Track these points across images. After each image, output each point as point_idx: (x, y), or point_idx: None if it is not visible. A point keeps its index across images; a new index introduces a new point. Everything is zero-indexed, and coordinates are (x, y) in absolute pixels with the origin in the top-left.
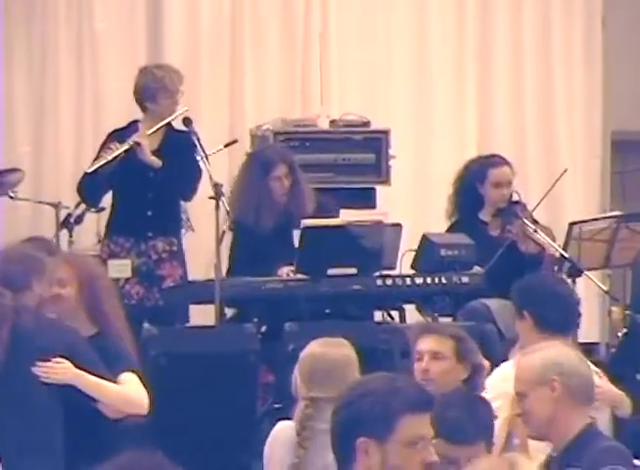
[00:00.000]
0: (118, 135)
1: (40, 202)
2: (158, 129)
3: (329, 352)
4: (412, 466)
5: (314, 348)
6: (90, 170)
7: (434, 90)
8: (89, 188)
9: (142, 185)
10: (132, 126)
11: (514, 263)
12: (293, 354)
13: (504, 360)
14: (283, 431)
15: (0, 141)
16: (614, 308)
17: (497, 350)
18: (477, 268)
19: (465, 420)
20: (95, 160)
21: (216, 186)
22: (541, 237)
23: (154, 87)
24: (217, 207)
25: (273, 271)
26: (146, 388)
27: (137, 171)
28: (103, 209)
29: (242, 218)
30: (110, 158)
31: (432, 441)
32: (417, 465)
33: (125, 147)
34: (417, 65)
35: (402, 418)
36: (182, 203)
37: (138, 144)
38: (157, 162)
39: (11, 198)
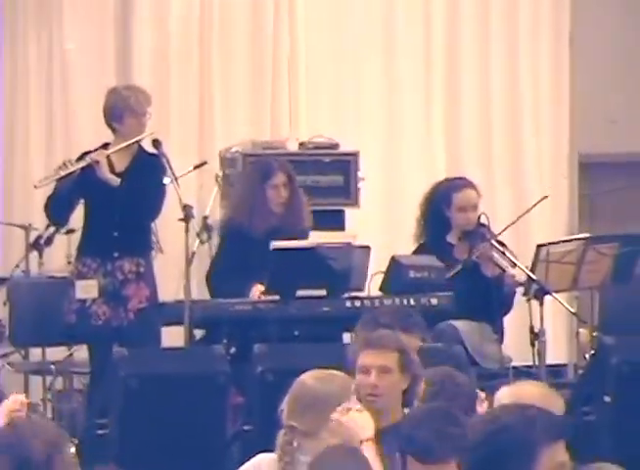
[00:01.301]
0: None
1: (10, 224)
2: (120, 149)
3: (317, 385)
4: None
5: (306, 377)
6: (38, 185)
7: (402, 113)
8: (53, 207)
9: (107, 206)
10: (102, 148)
11: (479, 286)
12: (262, 376)
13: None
14: (265, 461)
15: None
16: (581, 330)
17: (466, 371)
18: (445, 289)
19: (434, 437)
20: (46, 178)
21: (186, 208)
22: (508, 259)
23: (120, 107)
24: (187, 229)
25: (255, 278)
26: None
27: (100, 191)
28: (73, 230)
29: (235, 220)
30: (62, 174)
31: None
32: None
33: (82, 164)
34: (386, 87)
35: (543, 450)
36: (152, 225)
37: (97, 162)
38: (115, 180)
39: None
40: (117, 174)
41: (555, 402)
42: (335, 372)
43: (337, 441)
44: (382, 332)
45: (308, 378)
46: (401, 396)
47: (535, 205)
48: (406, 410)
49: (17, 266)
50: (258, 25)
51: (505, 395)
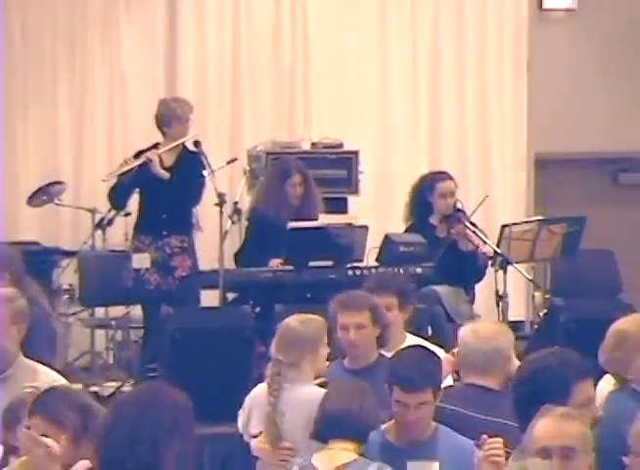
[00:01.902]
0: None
1: (79, 207)
2: (169, 149)
3: (298, 327)
4: (587, 422)
5: (290, 320)
6: (105, 179)
7: (394, 120)
8: (115, 195)
9: (158, 194)
10: (153, 147)
11: (456, 258)
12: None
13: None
14: (258, 389)
15: (47, 159)
16: (536, 293)
17: (445, 327)
18: (428, 261)
19: (415, 370)
20: (111, 173)
21: (220, 195)
22: (479, 237)
23: (169, 115)
24: (221, 212)
25: (274, 256)
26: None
27: (153, 182)
28: (129, 213)
29: (260, 210)
30: (124, 169)
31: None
32: (590, 420)
33: (139, 162)
34: (380, 100)
35: (576, 386)
36: (193, 209)
37: (150, 160)
38: (165, 175)
39: (56, 205)
40: (166, 168)
41: (504, 334)
42: (313, 317)
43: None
44: (354, 294)
45: (292, 321)
46: (375, 341)
47: (479, 204)
48: (380, 351)
49: (85, 242)
50: (278, 50)
51: (466, 331)
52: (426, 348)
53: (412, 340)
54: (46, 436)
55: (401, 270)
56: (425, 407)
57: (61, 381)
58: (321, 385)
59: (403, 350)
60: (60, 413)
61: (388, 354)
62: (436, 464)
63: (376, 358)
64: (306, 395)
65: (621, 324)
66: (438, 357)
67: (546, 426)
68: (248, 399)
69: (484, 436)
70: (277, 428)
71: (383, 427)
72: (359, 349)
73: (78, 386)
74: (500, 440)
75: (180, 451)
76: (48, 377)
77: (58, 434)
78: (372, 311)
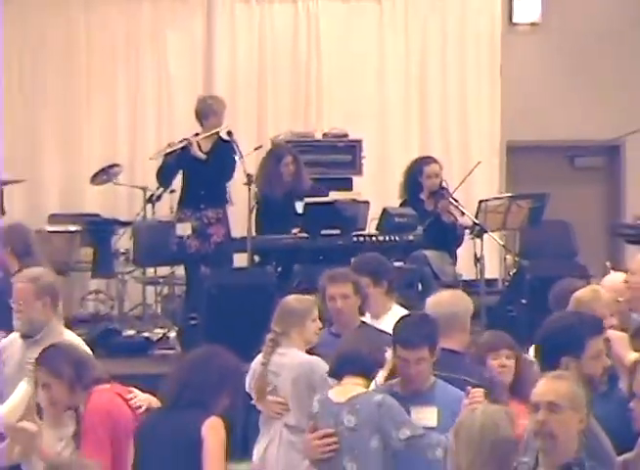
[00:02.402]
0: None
1: (133, 186)
2: (206, 137)
3: (291, 303)
4: (597, 371)
5: (288, 298)
6: (151, 157)
7: (390, 114)
8: (162, 175)
9: (197, 174)
10: (194, 136)
11: (440, 228)
12: (298, 286)
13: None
14: (257, 358)
15: (107, 145)
16: (507, 256)
17: (432, 284)
18: (418, 229)
19: (413, 330)
20: (158, 152)
21: (248, 176)
22: (459, 210)
23: (206, 110)
24: (249, 189)
25: (283, 226)
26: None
27: (192, 163)
28: (173, 190)
29: (262, 191)
30: (168, 150)
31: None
32: (600, 369)
33: (181, 145)
34: (379, 97)
35: (589, 341)
36: (227, 186)
37: (190, 143)
38: (202, 155)
39: (114, 183)
40: (204, 153)
41: (460, 300)
42: (307, 296)
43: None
44: (339, 270)
45: (289, 298)
46: (357, 310)
47: (472, 170)
48: (361, 317)
49: (137, 214)
50: (295, 57)
51: (430, 300)
52: (425, 314)
53: (397, 309)
54: (48, 384)
55: (397, 237)
56: (423, 362)
57: (77, 341)
58: (309, 352)
59: (405, 315)
60: (58, 366)
61: (372, 322)
62: (435, 409)
63: (358, 325)
64: (293, 359)
65: (580, 293)
66: (434, 320)
67: (540, 385)
68: (253, 363)
69: (469, 387)
70: (264, 384)
71: (391, 382)
72: (344, 315)
73: (132, 331)
74: (481, 390)
75: (228, 404)
76: (69, 338)
77: (56, 382)
78: (354, 284)
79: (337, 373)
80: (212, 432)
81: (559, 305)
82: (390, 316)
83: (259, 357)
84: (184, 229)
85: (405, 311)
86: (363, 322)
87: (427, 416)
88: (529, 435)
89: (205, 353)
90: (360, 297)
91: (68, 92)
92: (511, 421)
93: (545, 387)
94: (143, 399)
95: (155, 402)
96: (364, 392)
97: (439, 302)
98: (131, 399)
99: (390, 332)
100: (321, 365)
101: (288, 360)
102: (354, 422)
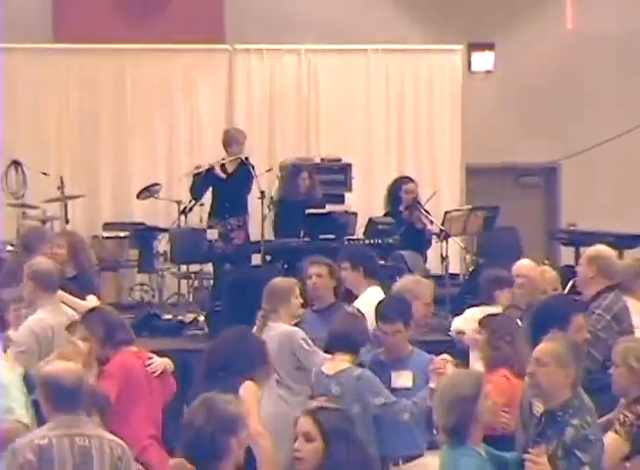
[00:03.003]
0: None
1: (170, 200)
2: (230, 161)
3: (278, 283)
4: (581, 341)
5: (274, 279)
6: (181, 178)
7: (375, 144)
8: (194, 192)
9: (222, 190)
10: (221, 160)
11: (413, 233)
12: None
13: None
14: None
15: (149, 168)
16: (467, 256)
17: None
18: (397, 235)
19: (389, 309)
20: (187, 173)
21: (262, 192)
22: (429, 219)
23: (230, 140)
24: (262, 202)
25: (295, 228)
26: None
27: (218, 182)
28: (202, 204)
29: (282, 198)
30: (195, 172)
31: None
32: (584, 342)
33: (206, 168)
34: (366, 130)
35: (574, 317)
36: (246, 200)
37: (213, 167)
38: (222, 175)
39: (154, 198)
40: (228, 174)
41: (423, 286)
42: (289, 278)
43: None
44: (318, 257)
45: (275, 280)
46: (332, 290)
47: (431, 196)
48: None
49: (174, 223)
50: (299, 97)
51: (397, 284)
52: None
53: (373, 291)
54: (85, 338)
55: (380, 241)
56: (399, 334)
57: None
58: (296, 325)
59: (384, 298)
60: (92, 325)
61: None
62: (410, 373)
63: (332, 302)
64: (277, 330)
65: (532, 272)
66: (407, 301)
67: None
68: None
69: (433, 356)
70: None
71: (377, 350)
72: (318, 291)
73: (169, 316)
74: (444, 356)
75: (259, 369)
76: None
77: (90, 338)
78: (329, 267)
79: (329, 349)
80: (249, 393)
81: (485, 289)
82: (365, 296)
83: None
84: (212, 234)
85: (380, 292)
86: (337, 301)
87: (404, 379)
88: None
89: (239, 332)
90: (335, 279)
91: (119, 125)
92: (474, 381)
93: (538, 347)
94: (159, 364)
95: (169, 365)
96: (348, 367)
97: (400, 286)
98: (150, 364)
99: (362, 309)
100: (299, 334)
101: (273, 332)
102: (340, 392)
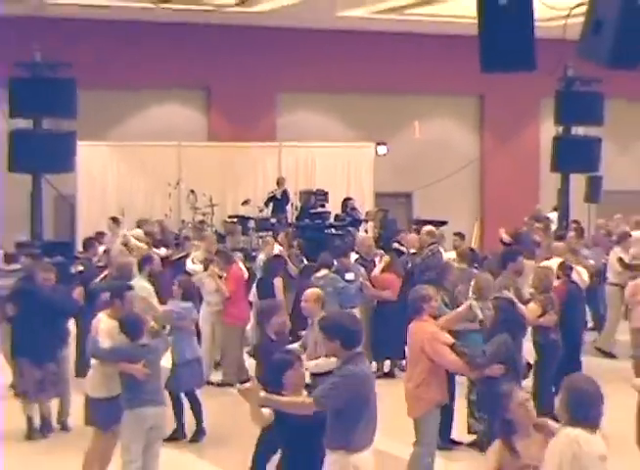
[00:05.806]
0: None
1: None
2: (280, 190)
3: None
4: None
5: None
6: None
7: (347, 178)
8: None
9: (276, 209)
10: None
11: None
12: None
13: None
14: None
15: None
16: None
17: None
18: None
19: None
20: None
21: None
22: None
23: (281, 181)
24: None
25: (310, 220)
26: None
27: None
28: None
29: (303, 205)
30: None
31: None
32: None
33: (270, 195)
34: (340, 172)
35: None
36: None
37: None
38: (279, 196)
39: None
40: (277, 199)
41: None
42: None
43: None
44: None
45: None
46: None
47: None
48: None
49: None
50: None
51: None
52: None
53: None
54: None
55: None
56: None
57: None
58: None
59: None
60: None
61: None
62: (352, 273)
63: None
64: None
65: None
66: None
67: None
68: None
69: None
70: None
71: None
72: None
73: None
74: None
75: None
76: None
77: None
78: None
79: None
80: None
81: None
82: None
83: None
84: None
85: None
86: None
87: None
88: None
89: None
90: None
91: None
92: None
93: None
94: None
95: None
96: (330, 276)
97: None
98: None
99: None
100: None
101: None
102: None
